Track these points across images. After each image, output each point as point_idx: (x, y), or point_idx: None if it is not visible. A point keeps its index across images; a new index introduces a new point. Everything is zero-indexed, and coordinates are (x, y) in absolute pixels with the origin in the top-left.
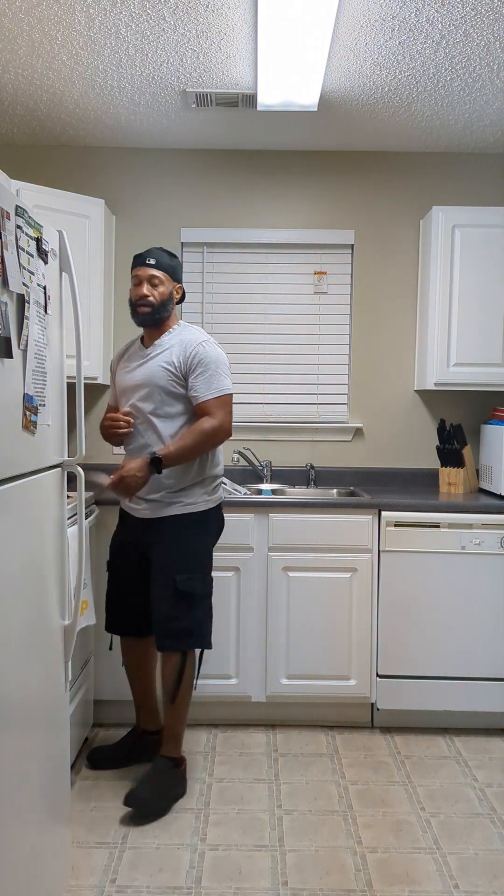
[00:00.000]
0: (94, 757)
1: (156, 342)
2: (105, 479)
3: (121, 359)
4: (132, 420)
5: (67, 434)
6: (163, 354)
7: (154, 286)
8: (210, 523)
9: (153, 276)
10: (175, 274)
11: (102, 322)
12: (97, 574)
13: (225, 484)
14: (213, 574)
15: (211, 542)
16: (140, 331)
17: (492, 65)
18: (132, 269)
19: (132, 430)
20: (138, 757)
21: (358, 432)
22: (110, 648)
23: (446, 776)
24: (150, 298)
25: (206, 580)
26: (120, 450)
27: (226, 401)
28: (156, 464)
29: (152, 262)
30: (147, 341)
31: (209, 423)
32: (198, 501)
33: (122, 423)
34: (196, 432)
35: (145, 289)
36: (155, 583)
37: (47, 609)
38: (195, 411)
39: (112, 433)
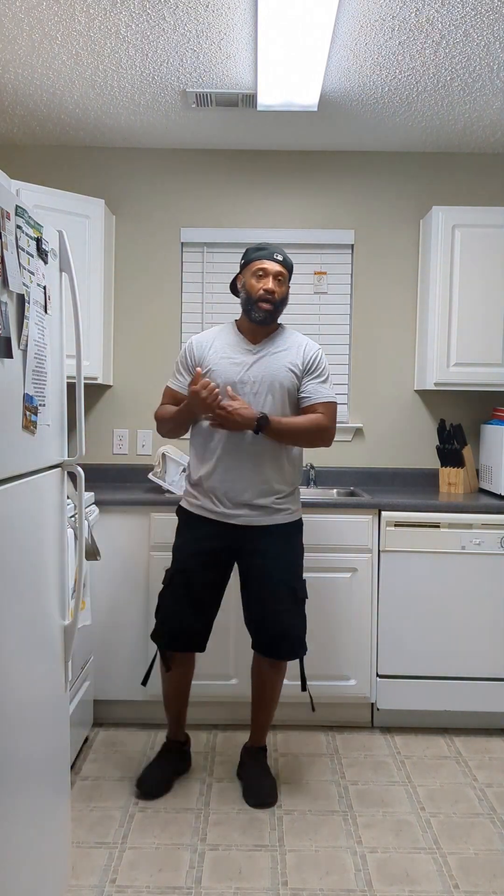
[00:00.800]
0: (146, 787)
1: (266, 340)
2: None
3: (209, 348)
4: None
5: (67, 434)
6: (283, 354)
7: (279, 283)
8: (302, 531)
9: (280, 273)
10: (291, 277)
11: (102, 322)
12: (103, 575)
13: None
14: None
15: None
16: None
17: (492, 65)
18: (251, 260)
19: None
20: (181, 769)
21: (358, 432)
22: (144, 683)
23: (446, 776)
24: (276, 295)
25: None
26: (121, 449)
27: (334, 409)
28: (262, 423)
29: (280, 257)
30: (251, 336)
31: (323, 420)
32: (298, 510)
33: (213, 390)
34: (311, 419)
35: (273, 283)
36: (264, 591)
37: (47, 609)
38: (303, 413)
39: (208, 402)
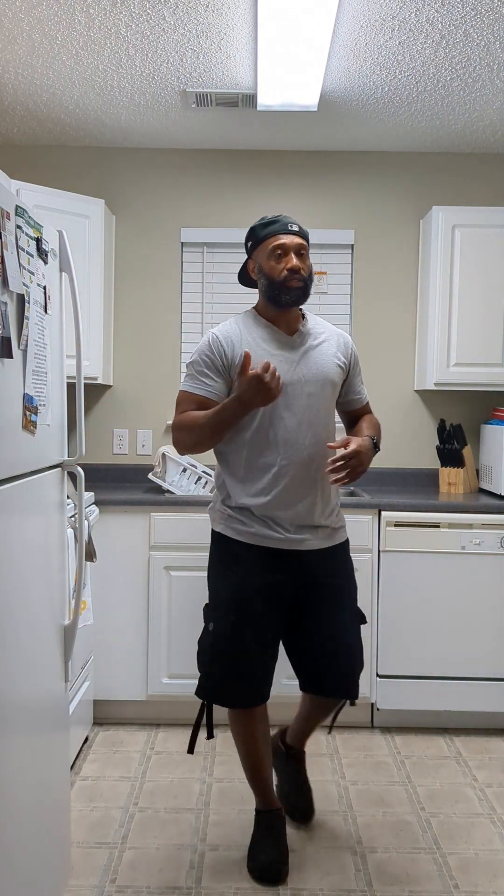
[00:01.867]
0: (271, 874)
1: (303, 329)
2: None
3: (241, 343)
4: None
5: (67, 434)
6: (325, 346)
7: (302, 257)
8: None
9: (301, 246)
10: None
11: (102, 322)
12: (103, 575)
13: None
14: None
15: None
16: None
17: (492, 65)
18: (262, 239)
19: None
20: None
21: None
22: (191, 751)
23: (446, 776)
24: (303, 272)
25: None
26: (121, 449)
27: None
28: (376, 446)
29: (295, 227)
30: (284, 326)
31: (377, 421)
32: (345, 523)
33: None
34: (377, 426)
35: (296, 259)
36: (335, 624)
37: (47, 609)
38: (350, 416)
39: (270, 388)
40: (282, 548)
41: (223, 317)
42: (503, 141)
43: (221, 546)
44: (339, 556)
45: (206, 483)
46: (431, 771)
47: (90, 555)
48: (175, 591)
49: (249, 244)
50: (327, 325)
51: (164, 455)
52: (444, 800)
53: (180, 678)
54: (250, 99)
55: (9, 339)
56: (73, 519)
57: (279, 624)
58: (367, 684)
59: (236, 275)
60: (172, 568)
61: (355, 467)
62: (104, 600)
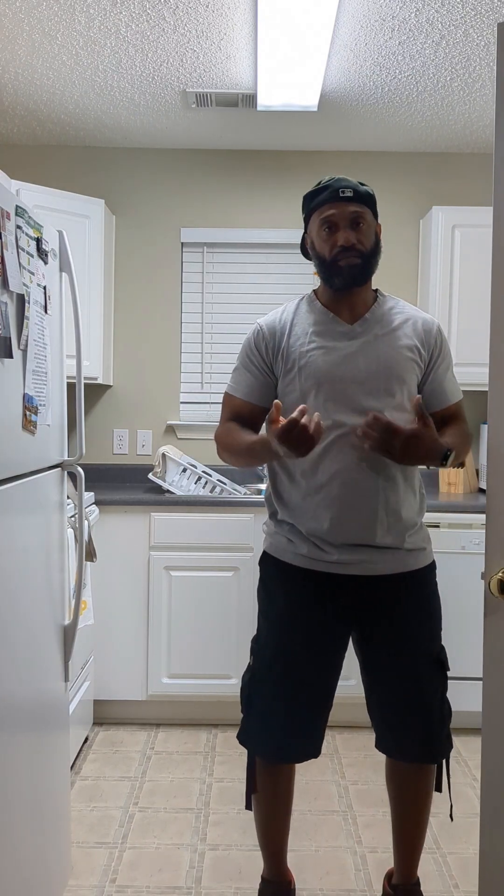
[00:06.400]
0: None
1: (369, 315)
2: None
3: (288, 334)
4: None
5: (67, 434)
6: (397, 335)
7: (359, 228)
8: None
9: (357, 214)
10: (376, 207)
11: (102, 322)
12: (103, 575)
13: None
14: (211, 574)
15: None
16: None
17: (492, 65)
18: (312, 209)
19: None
20: None
21: None
22: (249, 807)
23: None
24: (359, 246)
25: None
26: (121, 449)
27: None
28: (445, 458)
29: (349, 192)
30: (345, 312)
31: (468, 429)
32: (431, 548)
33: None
34: (464, 436)
35: (349, 234)
36: (403, 670)
37: (47, 609)
38: (435, 418)
39: (303, 439)
40: (329, 572)
41: (223, 317)
42: None
43: (265, 567)
44: (410, 585)
45: (206, 483)
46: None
47: (90, 555)
48: (175, 591)
49: (304, 216)
50: (409, 309)
51: (164, 455)
52: (444, 800)
53: (180, 678)
54: (250, 99)
55: (9, 339)
56: (73, 519)
57: (331, 667)
58: None
59: (236, 275)
60: (172, 568)
61: (385, 440)
62: (104, 600)
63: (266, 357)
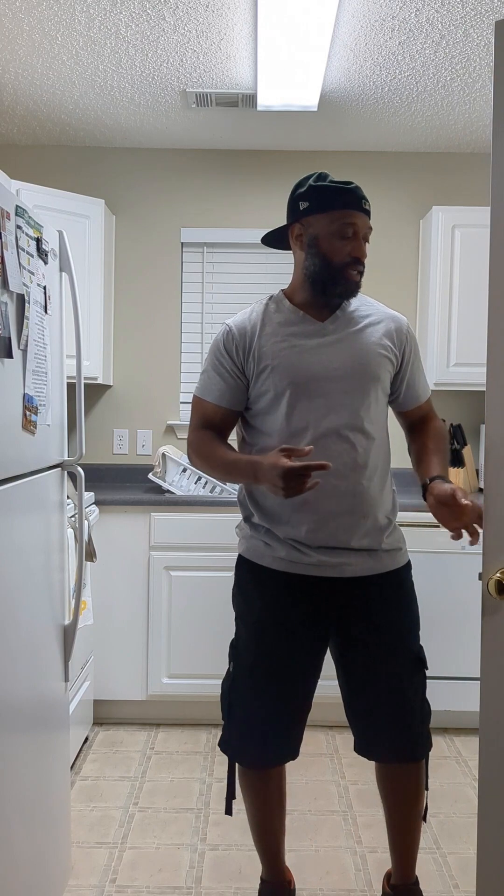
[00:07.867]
0: None
1: (340, 313)
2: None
3: (259, 334)
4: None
5: (67, 434)
6: (368, 332)
7: (367, 242)
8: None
9: (370, 231)
10: None
11: (102, 322)
12: (103, 575)
13: None
14: (211, 574)
15: None
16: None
17: (491, 65)
18: (331, 207)
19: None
20: None
21: None
22: (229, 812)
23: (446, 776)
24: (363, 263)
25: None
26: (121, 449)
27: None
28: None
29: (368, 206)
30: (314, 311)
31: (443, 428)
32: (405, 548)
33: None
34: (443, 438)
35: (365, 249)
36: (385, 670)
37: (47, 609)
38: (408, 419)
39: (301, 486)
40: (308, 574)
41: (223, 317)
42: None
43: (241, 571)
44: (386, 586)
45: (206, 483)
46: (431, 771)
47: (90, 555)
48: (175, 591)
49: (305, 206)
50: (377, 307)
51: (164, 455)
52: (445, 800)
53: (180, 678)
54: (250, 99)
55: (9, 339)
56: (73, 519)
57: (311, 668)
58: None
59: (236, 275)
60: (172, 568)
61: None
62: (104, 600)
63: (236, 359)
